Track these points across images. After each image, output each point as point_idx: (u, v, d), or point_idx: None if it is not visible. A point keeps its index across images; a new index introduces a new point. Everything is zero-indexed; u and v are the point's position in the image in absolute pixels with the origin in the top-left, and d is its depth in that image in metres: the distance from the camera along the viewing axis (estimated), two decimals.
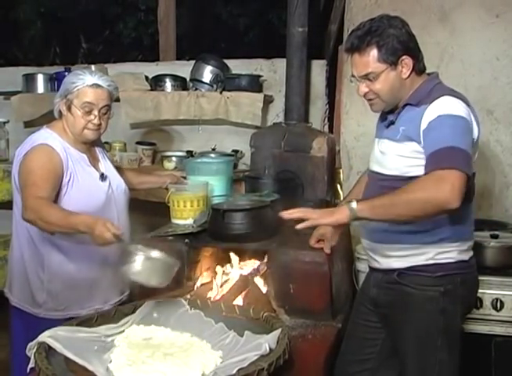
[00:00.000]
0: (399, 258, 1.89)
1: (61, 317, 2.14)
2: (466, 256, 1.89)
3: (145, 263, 1.75)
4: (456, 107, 1.75)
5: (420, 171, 1.75)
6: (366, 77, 1.85)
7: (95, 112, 2.16)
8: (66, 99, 2.16)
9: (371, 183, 2.02)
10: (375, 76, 1.83)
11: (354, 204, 1.71)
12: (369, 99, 1.91)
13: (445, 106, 1.75)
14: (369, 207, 1.70)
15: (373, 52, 1.81)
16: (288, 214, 1.81)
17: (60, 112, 2.21)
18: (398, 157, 1.85)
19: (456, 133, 1.70)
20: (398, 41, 1.80)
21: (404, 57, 1.81)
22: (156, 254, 1.81)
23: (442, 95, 1.78)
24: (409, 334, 1.89)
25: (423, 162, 1.74)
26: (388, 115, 1.95)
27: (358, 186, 2.19)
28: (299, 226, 1.79)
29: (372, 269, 2.06)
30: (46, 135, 2.20)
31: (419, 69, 1.86)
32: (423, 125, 1.76)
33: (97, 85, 2.16)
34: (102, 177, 2.28)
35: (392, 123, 1.91)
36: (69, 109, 2.17)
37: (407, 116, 1.85)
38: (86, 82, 2.15)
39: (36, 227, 2.02)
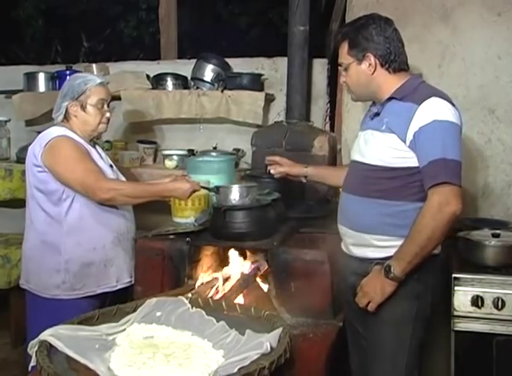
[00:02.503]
0: (377, 248, 1.95)
1: (79, 297, 2.32)
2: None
3: None
4: (447, 112, 1.84)
5: (403, 163, 1.88)
6: (341, 67, 2.03)
7: (106, 107, 2.41)
8: (78, 101, 2.34)
9: (353, 173, 2.07)
10: (346, 67, 2.00)
11: (393, 270, 1.84)
12: (347, 89, 2.09)
13: (437, 110, 1.83)
14: (408, 264, 1.84)
15: (345, 45, 1.99)
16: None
17: (65, 115, 2.37)
18: (382, 146, 1.92)
19: (447, 142, 1.81)
20: (365, 40, 1.94)
21: (368, 55, 1.93)
22: None
23: (432, 96, 1.86)
24: (385, 319, 1.93)
25: (406, 154, 1.86)
26: (372, 107, 2.05)
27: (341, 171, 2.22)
28: None
29: (347, 256, 2.08)
30: (61, 130, 2.32)
31: (393, 68, 1.95)
32: (414, 127, 1.83)
33: (102, 83, 2.42)
34: (112, 167, 2.46)
35: (377, 114, 1.99)
36: (83, 108, 2.33)
37: (392, 108, 1.94)
38: (96, 81, 2.37)
39: (114, 203, 2.30)
